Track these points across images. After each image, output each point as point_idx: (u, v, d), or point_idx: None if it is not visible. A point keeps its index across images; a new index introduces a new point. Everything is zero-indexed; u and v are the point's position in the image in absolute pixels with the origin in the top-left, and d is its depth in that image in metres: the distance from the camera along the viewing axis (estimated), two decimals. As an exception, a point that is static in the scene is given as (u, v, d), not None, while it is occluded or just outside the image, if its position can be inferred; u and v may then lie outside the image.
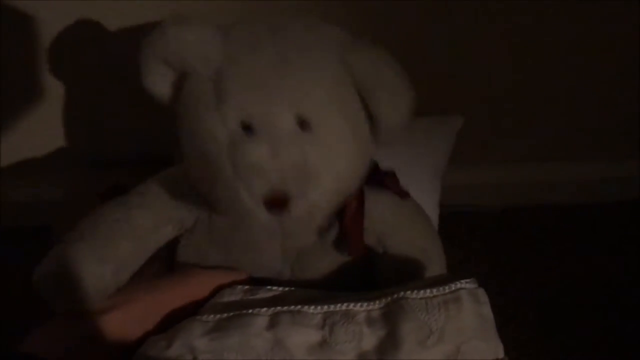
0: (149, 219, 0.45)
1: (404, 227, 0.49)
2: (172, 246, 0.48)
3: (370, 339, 0.37)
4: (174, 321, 0.40)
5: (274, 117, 0.39)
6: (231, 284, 0.44)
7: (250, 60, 0.40)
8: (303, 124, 0.40)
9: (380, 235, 0.48)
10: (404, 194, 0.50)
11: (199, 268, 0.45)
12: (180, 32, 0.40)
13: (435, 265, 0.49)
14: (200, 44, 0.41)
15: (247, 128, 0.40)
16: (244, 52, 0.41)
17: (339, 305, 0.38)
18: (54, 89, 0.72)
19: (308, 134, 0.40)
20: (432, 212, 0.65)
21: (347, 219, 0.45)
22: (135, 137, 0.77)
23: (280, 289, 0.43)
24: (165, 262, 0.48)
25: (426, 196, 0.61)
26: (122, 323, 0.39)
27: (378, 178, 0.49)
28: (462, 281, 0.38)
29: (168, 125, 0.71)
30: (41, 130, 0.75)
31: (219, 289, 0.43)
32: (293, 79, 0.40)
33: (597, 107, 0.81)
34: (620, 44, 0.74)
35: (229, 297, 0.41)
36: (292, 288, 0.43)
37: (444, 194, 0.69)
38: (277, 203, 0.39)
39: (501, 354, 0.38)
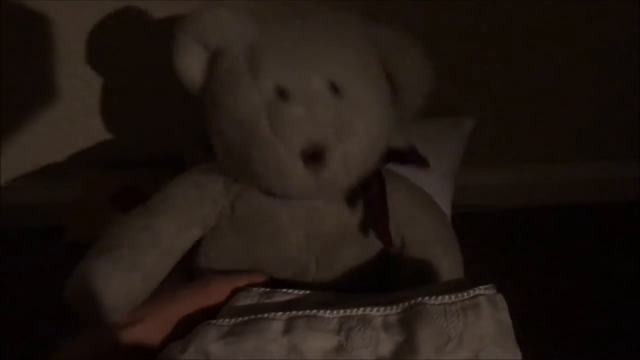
0: (172, 224, 0.45)
1: (421, 215, 0.50)
2: (191, 252, 0.48)
3: (387, 345, 0.37)
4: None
5: (307, 81, 0.42)
6: (248, 286, 0.43)
7: (281, 33, 0.44)
8: (334, 88, 0.43)
9: (400, 223, 0.48)
10: (424, 163, 0.51)
11: (218, 275, 0.45)
12: (216, 12, 0.44)
13: (452, 257, 0.50)
14: (234, 21, 0.44)
15: (282, 94, 0.42)
16: (275, 27, 0.44)
17: (355, 309, 0.38)
18: (67, 90, 0.72)
19: (340, 95, 0.43)
20: (445, 213, 0.63)
21: (372, 196, 0.46)
22: (148, 139, 0.77)
23: (297, 291, 0.42)
24: (185, 269, 0.48)
25: (438, 197, 0.61)
26: (146, 335, 0.39)
27: (397, 154, 0.50)
28: (481, 287, 0.38)
29: (179, 127, 0.72)
30: (54, 132, 0.75)
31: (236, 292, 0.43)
32: (323, 47, 0.43)
33: (609, 107, 0.81)
34: (624, 45, 0.74)
35: (244, 300, 0.41)
36: (309, 291, 0.42)
37: (458, 193, 0.69)
38: (314, 155, 0.41)
39: None
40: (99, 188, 0.70)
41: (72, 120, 0.75)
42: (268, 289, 0.42)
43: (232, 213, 0.47)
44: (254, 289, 0.42)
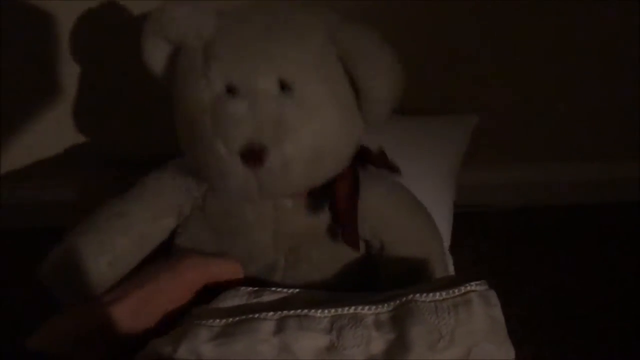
0: (147, 212, 0.47)
1: (399, 216, 0.49)
2: (171, 238, 0.49)
3: (378, 343, 0.37)
4: (174, 309, 0.41)
5: (256, 78, 0.41)
6: (229, 282, 0.43)
7: (237, 30, 0.43)
8: (284, 86, 0.41)
9: (375, 228, 0.48)
10: (394, 169, 0.49)
11: (193, 253, 0.45)
12: (176, 6, 0.43)
13: (434, 257, 0.49)
14: (193, 17, 0.43)
15: (232, 91, 0.42)
16: (232, 24, 0.43)
17: (346, 308, 0.38)
18: (66, 89, 0.72)
19: (288, 94, 0.41)
20: (447, 211, 0.64)
21: (338, 199, 0.45)
22: (146, 137, 0.76)
23: (286, 290, 0.42)
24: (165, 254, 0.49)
25: (440, 195, 0.62)
26: (126, 314, 0.40)
27: (365, 156, 0.49)
28: (473, 283, 0.37)
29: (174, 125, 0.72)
30: (53, 131, 0.75)
31: (213, 275, 0.43)
32: (276, 45, 0.42)
33: (610, 108, 0.81)
34: (626, 46, 0.73)
35: (233, 299, 0.40)
36: (298, 290, 0.42)
37: (459, 193, 0.68)
38: (253, 155, 0.40)
39: (512, 356, 0.37)
40: (99, 187, 0.71)
41: (71, 118, 0.75)
42: (257, 288, 0.42)
43: (203, 205, 0.48)
44: (242, 288, 0.42)
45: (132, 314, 0.40)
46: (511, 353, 0.37)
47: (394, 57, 0.44)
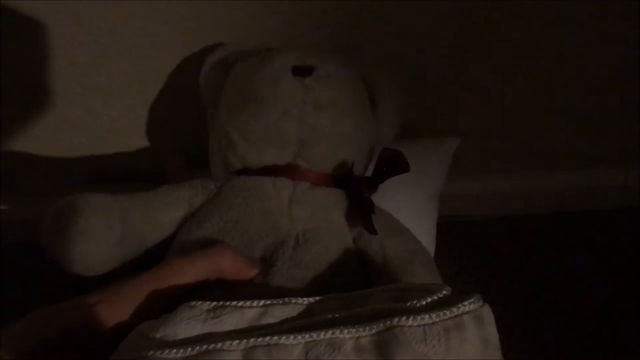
0: (159, 200, 0.50)
1: (393, 233, 0.52)
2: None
3: (359, 373, 0.32)
4: (158, 311, 0.38)
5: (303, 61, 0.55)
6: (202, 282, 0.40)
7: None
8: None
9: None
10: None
11: (179, 257, 0.43)
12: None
13: (424, 266, 0.50)
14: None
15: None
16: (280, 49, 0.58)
17: (322, 332, 0.33)
18: (49, 105, 0.69)
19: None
20: (429, 233, 0.66)
21: (358, 188, 0.51)
22: (130, 154, 0.76)
23: (250, 303, 0.37)
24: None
25: (423, 218, 0.66)
26: (108, 315, 0.37)
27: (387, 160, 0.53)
28: (466, 302, 0.33)
29: (161, 143, 0.70)
30: (36, 148, 0.73)
31: (201, 272, 0.41)
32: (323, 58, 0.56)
33: (595, 117, 0.80)
34: (620, 50, 0.73)
35: (189, 321, 0.35)
36: (268, 302, 0.37)
37: (441, 203, 0.69)
38: (303, 68, 0.53)
39: None
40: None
41: (53, 136, 0.73)
42: (218, 303, 0.36)
43: (218, 193, 0.52)
44: (199, 303, 0.36)
45: (110, 316, 0.37)
46: None
47: (407, 97, 0.60)
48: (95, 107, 0.70)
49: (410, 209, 0.56)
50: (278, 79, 0.52)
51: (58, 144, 0.74)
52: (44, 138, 0.73)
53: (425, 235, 0.64)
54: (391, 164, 0.51)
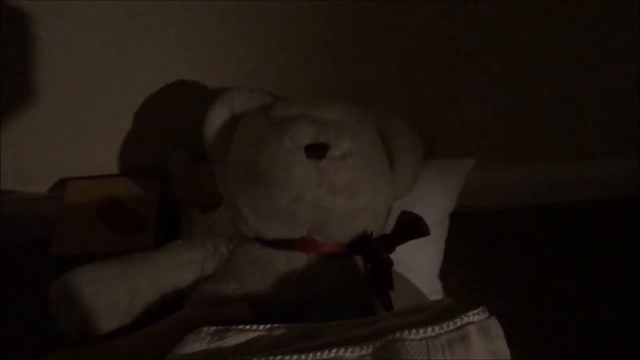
0: (172, 260, 0.51)
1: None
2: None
3: (363, 392, 0.31)
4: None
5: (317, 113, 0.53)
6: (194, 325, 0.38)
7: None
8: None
9: None
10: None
11: (164, 320, 0.43)
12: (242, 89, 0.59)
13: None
14: (254, 95, 0.59)
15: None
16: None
17: (326, 352, 0.33)
18: (48, 101, 0.69)
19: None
20: (440, 250, 0.67)
21: (380, 246, 0.51)
22: (131, 149, 0.76)
23: (255, 327, 0.37)
24: None
25: (437, 237, 0.65)
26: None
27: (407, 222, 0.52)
28: (470, 313, 0.32)
29: (162, 137, 0.74)
30: (35, 143, 0.74)
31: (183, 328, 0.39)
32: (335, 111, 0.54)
33: (594, 109, 0.79)
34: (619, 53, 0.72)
35: (193, 344, 0.35)
36: (268, 326, 0.37)
37: None
38: (317, 147, 0.48)
39: None
40: (83, 199, 0.72)
41: (56, 131, 0.74)
42: (220, 327, 0.36)
43: (229, 259, 0.52)
44: (205, 329, 0.36)
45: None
46: None
47: (423, 149, 0.59)
48: (98, 104, 0.70)
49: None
50: (290, 162, 0.48)
51: (60, 141, 0.74)
52: (45, 136, 0.73)
53: (437, 253, 0.66)
54: (412, 228, 0.50)
